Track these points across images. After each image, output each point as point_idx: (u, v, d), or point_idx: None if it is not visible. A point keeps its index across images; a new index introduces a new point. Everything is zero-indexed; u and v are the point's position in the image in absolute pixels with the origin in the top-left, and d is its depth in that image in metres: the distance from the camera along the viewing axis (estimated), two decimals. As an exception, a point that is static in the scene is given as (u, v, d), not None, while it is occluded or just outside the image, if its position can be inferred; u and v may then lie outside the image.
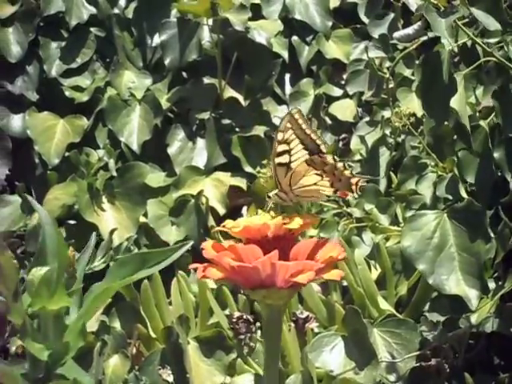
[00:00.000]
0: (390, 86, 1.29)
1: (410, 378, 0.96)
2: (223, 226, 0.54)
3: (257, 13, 1.45)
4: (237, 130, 1.39)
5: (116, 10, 1.48)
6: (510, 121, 1.00)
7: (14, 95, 1.43)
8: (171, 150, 1.39)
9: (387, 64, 1.36)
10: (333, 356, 0.94)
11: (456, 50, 1.08)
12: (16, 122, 1.42)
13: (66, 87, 1.44)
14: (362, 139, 1.33)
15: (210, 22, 1.39)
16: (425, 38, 1.25)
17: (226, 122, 1.39)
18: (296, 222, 0.54)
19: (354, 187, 0.58)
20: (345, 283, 1.09)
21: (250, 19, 1.39)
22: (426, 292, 1.05)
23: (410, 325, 0.96)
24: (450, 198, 1.06)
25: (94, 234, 0.55)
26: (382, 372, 0.94)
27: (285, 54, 1.46)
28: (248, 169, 1.34)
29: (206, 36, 1.41)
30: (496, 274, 1.02)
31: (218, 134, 1.38)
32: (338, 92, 1.44)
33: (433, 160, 1.12)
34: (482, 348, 1.02)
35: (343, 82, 1.44)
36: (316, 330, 1.02)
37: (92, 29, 1.46)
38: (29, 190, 1.32)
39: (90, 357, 0.99)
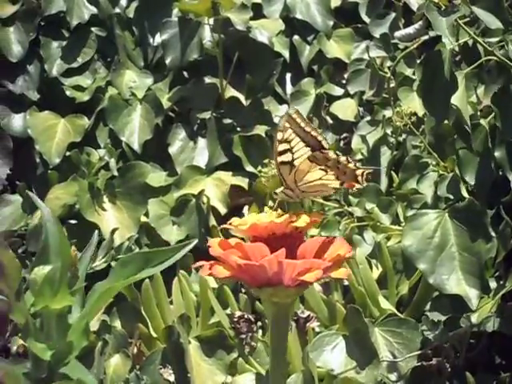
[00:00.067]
0: (391, 85, 1.29)
1: (411, 377, 0.96)
2: (230, 224, 0.54)
3: (258, 12, 1.45)
4: (238, 129, 1.39)
5: (117, 10, 1.48)
6: (510, 124, 1.00)
7: (15, 95, 1.43)
8: (172, 150, 1.39)
9: (388, 63, 1.36)
10: (334, 355, 0.94)
11: (457, 49, 1.08)
12: (17, 121, 1.42)
13: (66, 87, 1.44)
14: (363, 139, 1.33)
15: (212, 21, 1.39)
16: (426, 37, 1.25)
17: (228, 121, 1.39)
18: (303, 220, 0.54)
19: (359, 178, 0.58)
20: (346, 282, 1.09)
21: (251, 19, 1.39)
22: (427, 291, 1.05)
23: (411, 324, 0.96)
24: (452, 197, 1.06)
25: (96, 232, 0.55)
26: (383, 371, 0.94)
27: (286, 54, 1.46)
28: (249, 168, 1.34)
29: (207, 35, 1.41)
30: (497, 274, 1.02)
31: (219, 134, 1.38)
32: (339, 91, 1.44)
33: (434, 159, 1.12)
34: (484, 347, 1.02)
35: (344, 82, 1.44)
36: (317, 330, 1.02)
37: (93, 28, 1.46)
38: (30, 190, 1.32)
39: (91, 356, 0.99)
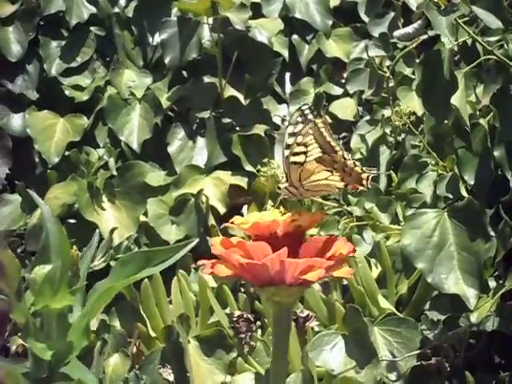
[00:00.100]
0: (391, 84, 1.29)
1: (411, 376, 0.96)
2: (232, 223, 0.54)
3: (257, 11, 1.45)
4: (237, 128, 1.39)
5: (116, 9, 1.48)
6: (508, 125, 1.00)
7: (14, 94, 1.43)
8: (171, 149, 1.39)
9: (387, 63, 1.36)
10: (333, 355, 0.94)
11: (456, 48, 1.08)
12: (16, 121, 1.42)
13: (66, 86, 1.44)
14: (363, 138, 1.33)
15: (211, 20, 1.38)
16: (425, 36, 1.25)
17: (227, 120, 1.39)
18: (305, 219, 0.54)
19: (364, 182, 0.59)
20: (345, 282, 1.09)
21: (250, 18, 1.39)
22: (426, 291, 1.05)
23: (411, 323, 0.96)
24: (451, 196, 1.06)
25: (98, 231, 0.54)
26: (382, 371, 0.94)
27: (285, 53, 1.46)
28: (248, 167, 1.34)
29: (206, 35, 1.41)
30: (497, 273, 1.02)
31: (218, 133, 1.38)
32: (338, 91, 1.44)
33: (433, 159, 1.12)
34: (483, 347, 1.02)
35: (343, 81, 1.44)
36: (316, 329, 1.02)
37: (92, 28, 1.46)
38: (29, 189, 1.32)
39: (91, 356, 0.99)
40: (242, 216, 0.57)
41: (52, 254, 0.48)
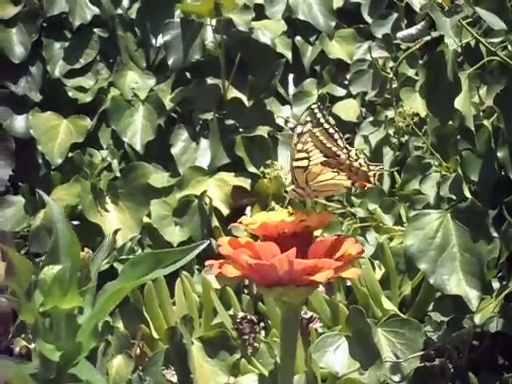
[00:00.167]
0: (394, 85, 1.29)
1: (414, 378, 0.96)
2: (240, 223, 0.54)
3: (260, 13, 1.45)
4: (240, 130, 1.39)
5: (119, 11, 1.48)
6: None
7: (18, 96, 1.43)
8: (175, 151, 1.39)
9: (391, 64, 1.36)
10: (337, 356, 0.93)
11: (459, 49, 1.08)
12: (19, 122, 1.42)
13: (69, 88, 1.44)
14: (366, 139, 1.33)
15: (214, 22, 1.39)
16: (428, 37, 1.25)
17: (230, 122, 1.39)
18: (314, 219, 0.54)
19: (372, 179, 0.59)
20: (349, 283, 1.09)
21: (253, 19, 1.39)
22: (429, 292, 1.05)
23: (414, 325, 0.96)
24: (454, 197, 1.06)
25: (110, 234, 0.54)
26: (386, 372, 0.94)
27: (288, 54, 1.46)
28: (252, 169, 1.34)
29: (209, 36, 1.41)
30: (500, 274, 1.02)
31: (221, 135, 1.38)
32: (341, 92, 1.44)
33: (436, 160, 1.12)
34: (486, 348, 1.02)
35: (346, 82, 1.44)
36: (320, 330, 1.02)
37: (95, 29, 1.46)
38: (32, 191, 1.32)
39: (94, 357, 0.99)
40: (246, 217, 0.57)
41: (61, 254, 0.48)
